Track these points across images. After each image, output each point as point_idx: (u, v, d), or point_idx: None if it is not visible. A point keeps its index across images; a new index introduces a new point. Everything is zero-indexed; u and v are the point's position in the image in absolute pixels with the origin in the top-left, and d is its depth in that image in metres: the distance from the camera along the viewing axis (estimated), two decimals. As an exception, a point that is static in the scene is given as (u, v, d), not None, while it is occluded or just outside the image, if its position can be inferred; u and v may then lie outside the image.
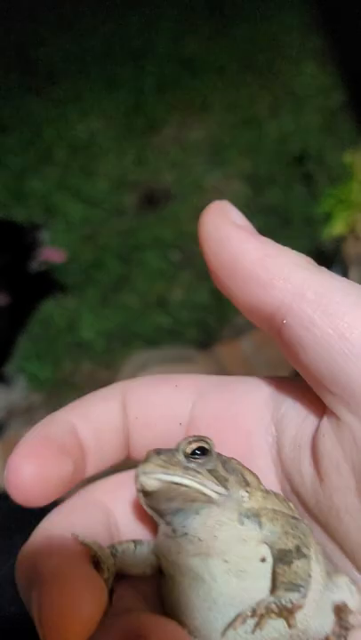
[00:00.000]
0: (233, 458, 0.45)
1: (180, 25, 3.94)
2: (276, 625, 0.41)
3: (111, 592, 0.43)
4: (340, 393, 0.40)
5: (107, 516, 0.46)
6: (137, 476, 0.42)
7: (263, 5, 3.92)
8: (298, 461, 0.45)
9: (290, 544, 0.42)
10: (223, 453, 0.46)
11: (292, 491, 0.46)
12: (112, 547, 0.44)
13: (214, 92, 3.50)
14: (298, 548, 0.41)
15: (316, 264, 0.43)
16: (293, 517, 0.43)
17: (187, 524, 0.42)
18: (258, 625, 0.41)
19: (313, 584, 0.42)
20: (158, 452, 0.42)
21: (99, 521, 0.45)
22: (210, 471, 0.42)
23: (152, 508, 0.43)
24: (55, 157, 3.33)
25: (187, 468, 0.42)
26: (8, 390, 2.44)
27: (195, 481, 0.41)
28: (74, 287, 2.74)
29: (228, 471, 0.43)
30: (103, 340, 2.56)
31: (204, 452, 0.43)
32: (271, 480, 0.47)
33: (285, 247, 0.43)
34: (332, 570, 0.44)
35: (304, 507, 0.45)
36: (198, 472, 0.42)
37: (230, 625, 0.42)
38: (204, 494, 0.41)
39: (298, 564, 0.41)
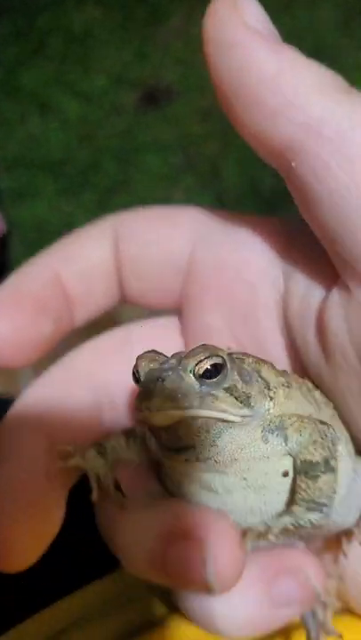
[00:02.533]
0: (246, 354, 0.37)
1: None
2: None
3: (117, 487, 0.39)
4: (354, 262, 0.33)
5: (94, 392, 0.40)
6: (139, 410, 0.33)
7: None
8: (304, 329, 0.38)
9: (317, 455, 0.36)
10: (223, 307, 0.40)
11: (297, 358, 0.40)
12: (99, 445, 0.38)
13: (223, -19, 3.25)
14: (326, 461, 0.36)
15: (347, 87, 0.33)
16: (322, 422, 0.37)
17: (202, 454, 0.35)
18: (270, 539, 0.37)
19: (341, 478, 0.37)
20: (160, 375, 0.33)
21: (83, 403, 0.39)
22: (228, 390, 0.34)
23: (160, 437, 0.36)
24: (50, 49, 3.13)
25: (202, 395, 0.33)
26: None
27: (215, 410, 0.34)
28: (70, 190, 2.61)
29: (248, 382, 0.35)
30: (99, 245, 2.48)
31: (218, 368, 0.34)
32: (277, 342, 0.40)
33: (311, 61, 0.34)
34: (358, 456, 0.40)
35: (309, 378, 0.39)
36: (216, 397, 0.33)
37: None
38: (228, 421, 0.34)
39: (324, 480, 0.35)
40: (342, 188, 0.32)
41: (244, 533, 0.38)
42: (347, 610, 0.42)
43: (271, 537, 0.37)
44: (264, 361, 0.38)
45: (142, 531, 0.34)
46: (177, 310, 0.45)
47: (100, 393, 0.41)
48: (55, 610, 0.48)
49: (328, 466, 0.36)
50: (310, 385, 0.39)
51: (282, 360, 0.41)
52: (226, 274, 0.42)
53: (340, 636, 0.40)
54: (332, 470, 0.36)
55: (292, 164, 0.33)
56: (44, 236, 2.52)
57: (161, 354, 0.36)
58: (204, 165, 2.60)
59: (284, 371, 0.39)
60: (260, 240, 0.41)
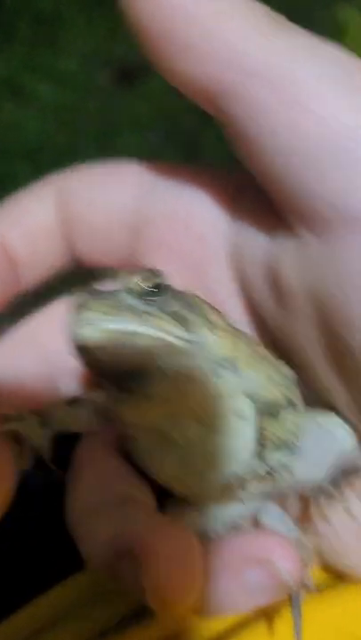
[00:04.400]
0: (188, 291, 0.35)
1: None
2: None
3: (55, 460, 0.38)
4: (300, 207, 0.32)
5: (46, 357, 0.40)
6: (70, 326, 0.29)
7: None
8: (257, 279, 0.37)
9: (277, 392, 0.35)
10: (174, 261, 0.39)
11: (252, 309, 0.39)
12: (43, 415, 0.37)
13: None
14: (288, 399, 0.35)
15: (282, 23, 0.31)
16: (277, 360, 0.36)
17: (149, 386, 0.32)
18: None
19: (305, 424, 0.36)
20: (96, 292, 0.30)
21: (32, 370, 0.39)
22: (171, 315, 0.31)
23: (95, 368, 0.32)
24: (18, 33, 3.09)
25: (141, 313, 0.30)
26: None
27: (155, 328, 0.30)
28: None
29: (191, 311, 0.33)
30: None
31: (159, 288, 0.32)
32: (230, 294, 0.39)
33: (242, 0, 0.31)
34: (316, 409, 0.38)
35: (267, 329, 0.38)
36: (157, 317, 0.31)
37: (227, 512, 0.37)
38: (170, 344, 0.31)
39: (287, 417, 0.35)
40: (279, 128, 0.30)
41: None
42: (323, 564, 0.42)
43: (245, 489, 0.35)
44: (213, 307, 0.36)
45: (97, 541, 0.34)
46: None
47: (53, 361, 0.41)
48: (27, 612, 0.47)
49: (291, 402, 0.35)
50: (262, 348, 0.37)
51: (237, 310, 0.40)
52: (174, 227, 0.41)
53: (317, 590, 0.39)
54: (295, 406, 0.35)
55: (226, 108, 0.32)
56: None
57: (95, 287, 0.33)
58: (184, 140, 2.58)
59: (242, 331, 0.37)
60: (208, 192, 0.40)
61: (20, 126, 2.77)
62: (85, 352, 0.30)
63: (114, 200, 0.42)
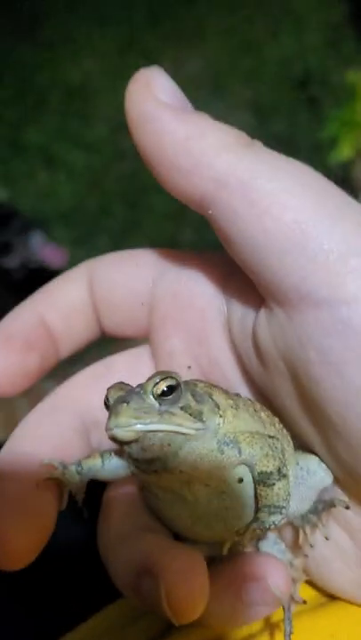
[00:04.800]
0: (198, 380, 0.44)
1: None
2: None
3: (85, 502, 0.45)
4: (268, 287, 0.39)
5: (80, 416, 0.47)
6: (109, 429, 0.40)
7: None
8: (244, 345, 0.44)
9: (271, 466, 0.42)
10: (181, 332, 0.47)
11: (245, 373, 0.46)
12: (78, 463, 0.44)
13: (209, 18, 3.35)
14: (279, 470, 0.42)
15: (248, 142, 0.39)
16: (270, 436, 0.43)
17: (167, 464, 0.41)
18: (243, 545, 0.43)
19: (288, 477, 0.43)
20: (125, 399, 0.40)
21: (69, 426, 0.46)
22: (183, 408, 0.41)
23: (127, 451, 0.42)
24: (50, 104, 3.23)
25: (161, 412, 0.40)
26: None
27: (173, 424, 0.40)
28: (84, 237, 2.70)
29: (200, 401, 0.41)
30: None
31: (172, 388, 0.40)
32: (228, 359, 0.47)
33: (216, 123, 0.39)
34: (300, 452, 0.45)
35: (256, 387, 0.46)
36: (173, 413, 0.40)
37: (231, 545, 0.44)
38: (184, 434, 0.40)
39: (279, 486, 0.42)
40: (249, 228, 0.37)
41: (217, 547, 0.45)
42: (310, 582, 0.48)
43: (245, 541, 0.42)
44: (215, 386, 0.44)
45: (123, 564, 0.40)
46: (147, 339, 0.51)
47: (85, 417, 0.47)
48: (75, 633, 0.53)
49: (281, 473, 0.42)
50: (258, 406, 0.45)
51: (234, 373, 0.47)
52: (180, 304, 0.48)
53: (305, 602, 0.45)
54: (285, 476, 0.42)
55: (209, 212, 0.39)
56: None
57: (128, 384, 0.42)
58: None
59: (237, 394, 0.45)
60: (206, 273, 0.47)
61: (53, 192, 2.90)
62: (120, 443, 0.40)
63: (132, 283, 0.49)
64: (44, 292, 0.49)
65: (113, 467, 0.45)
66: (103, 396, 0.45)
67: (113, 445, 0.46)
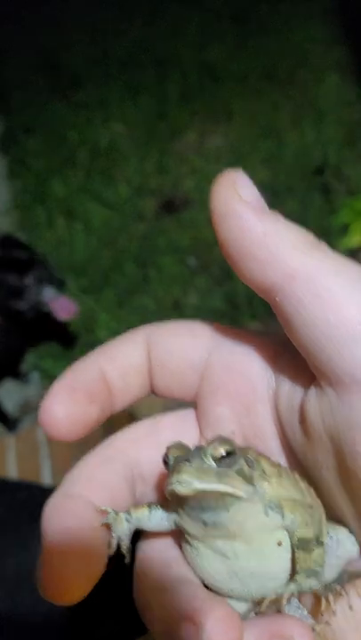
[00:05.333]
0: (250, 447, 0.48)
1: (204, 33, 3.98)
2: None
3: (131, 551, 0.47)
4: (323, 369, 0.43)
5: (130, 468, 0.50)
6: (170, 484, 0.43)
7: (288, 16, 3.95)
8: (290, 418, 0.48)
9: (310, 534, 0.45)
10: (230, 402, 0.51)
11: (286, 441, 0.49)
12: (128, 512, 0.48)
13: (236, 101, 3.53)
14: (317, 538, 0.45)
15: (316, 243, 0.43)
16: (310, 506, 0.47)
17: (216, 519, 0.45)
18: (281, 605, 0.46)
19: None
20: (187, 458, 0.44)
21: (121, 476, 0.49)
22: (237, 472, 0.44)
23: (181, 503, 0.46)
24: (77, 161, 3.37)
25: (219, 474, 0.44)
26: (23, 387, 2.49)
27: (228, 485, 0.43)
28: (92, 288, 2.77)
29: (251, 467, 0.45)
30: (118, 341, 2.59)
31: (229, 453, 0.44)
32: (271, 430, 0.50)
33: (289, 224, 0.44)
34: (330, 522, 0.48)
35: (295, 457, 0.49)
36: (228, 476, 0.44)
37: (259, 605, 0.47)
38: (236, 495, 0.44)
39: (317, 552, 0.45)
40: (311, 317, 0.41)
41: (255, 604, 0.48)
42: None
43: (284, 601, 0.45)
44: (262, 454, 0.47)
45: (163, 611, 0.43)
46: (192, 403, 0.55)
47: (133, 468, 0.50)
48: None
49: (318, 541, 0.45)
50: (298, 476, 0.48)
51: (275, 443, 0.50)
52: (233, 376, 0.52)
53: None
54: (322, 544, 0.45)
55: (276, 299, 0.43)
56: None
57: (185, 445, 0.46)
58: (216, 269, 2.73)
59: (279, 464, 0.48)
60: (259, 350, 0.51)
61: (69, 242, 2.99)
62: (178, 496, 0.44)
63: (188, 352, 0.53)
64: (105, 350, 0.53)
65: (158, 519, 0.48)
66: (150, 451, 0.50)
67: (154, 497, 0.51)
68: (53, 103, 3.73)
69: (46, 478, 2.09)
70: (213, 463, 0.44)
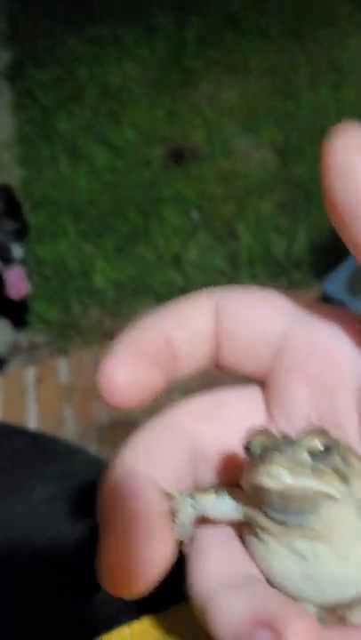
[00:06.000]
0: (339, 440, 0.42)
1: (229, -20, 3.84)
2: None
3: (190, 540, 0.43)
4: None
5: (193, 449, 0.45)
6: (258, 475, 0.38)
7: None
8: None
9: None
10: (307, 384, 0.45)
11: None
12: (193, 497, 0.43)
13: (256, 55, 3.42)
14: None
15: None
16: None
17: (302, 521, 0.40)
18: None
19: None
20: (278, 448, 0.39)
21: (184, 454, 0.44)
22: (333, 469, 0.39)
23: (263, 498, 0.40)
24: (86, 98, 3.28)
25: (313, 469, 0.38)
26: (13, 326, 2.45)
27: (323, 484, 0.38)
28: (90, 233, 2.72)
29: (346, 464, 0.40)
30: (114, 289, 2.55)
31: (327, 447, 0.39)
32: (352, 418, 0.45)
33: None
34: None
35: None
36: (323, 472, 0.38)
37: (332, 613, 0.42)
38: (330, 495, 0.39)
39: None
40: None
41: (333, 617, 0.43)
42: None
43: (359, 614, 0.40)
44: (351, 449, 0.42)
45: (234, 612, 0.39)
46: (260, 381, 0.50)
47: (195, 448, 0.46)
48: None
49: None
50: None
51: (355, 434, 0.45)
52: (316, 353, 0.46)
53: None
54: None
55: None
56: (60, 274, 2.62)
57: (271, 432, 0.40)
58: (220, 225, 2.69)
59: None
60: (347, 329, 0.46)
61: (71, 182, 2.92)
62: (263, 491, 0.38)
63: (263, 323, 0.48)
64: (171, 312, 0.47)
65: (225, 507, 0.43)
66: (213, 430, 0.45)
67: (215, 480, 0.45)
68: (67, 36, 3.60)
69: (32, 422, 2.08)
70: (308, 457, 0.39)
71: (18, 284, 2.20)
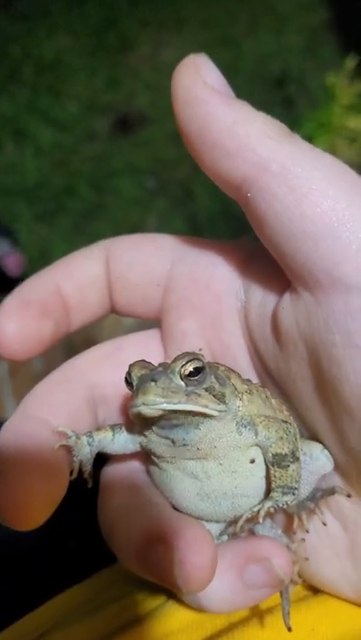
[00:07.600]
0: (218, 363, 0.45)
1: None
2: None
3: (91, 475, 0.45)
4: (299, 270, 0.40)
5: (90, 389, 0.47)
6: (135, 405, 0.40)
7: None
8: (262, 329, 0.45)
9: (285, 449, 0.43)
10: (195, 315, 0.48)
11: (257, 355, 0.47)
12: (90, 435, 0.45)
13: (189, 7, 3.33)
14: (293, 453, 0.44)
15: (288, 132, 0.40)
16: (284, 421, 0.44)
17: (187, 438, 0.42)
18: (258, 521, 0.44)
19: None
20: (152, 377, 0.40)
21: (80, 397, 0.46)
22: (207, 390, 0.42)
23: (147, 422, 0.42)
24: (22, 77, 3.17)
25: (187, 393, 0.41)
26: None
27: (198, 405, 0.41)
28: (45, 215, 2.65)
29: (222, 384, 0.43)
30: (77, 269, 2.50)
31: (199, 370, 0.42)
32: (240, 344, 0.48)
33: (259, 113, 0.40)
34: (303, 439, 0.46)
35: (267, 371, 0.46)
36: (198, 394, 0.41)
37: (231, 526, 0.46)
38: (208, 415, 0.41)
39: (292, 468, 0.43)
40: (287, 211, 0.39)
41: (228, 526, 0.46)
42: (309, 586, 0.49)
43: (260, 518, 0.43)
44: (232, 370, 0.45)
45: (130, 534, 0.41)
46: (158, 322, 0.52)
47: (94, 390, 0.48)
48: (33, 616, 0.53)
49: (294, 456, 0.43)
50: (268, 393, 0.46)
51: (244, 358, 0.48)
52: (198, 287, 0.49)
53: (304, 582, 0.48)
54: (298, 459, 0.44)
55: (248, 195, 0.40)
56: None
57: (150, 363, 0.43)
58: (177, 189, 2.64)
59: (248, 380, 0.46)
60: (226, 260, 0.48)
61: (19, 166, 2.84)
62: (144, 418, 0.41)
63: (150, 264, 0.50)
64: (61, 264, 0.50)
65: (122, 441, 0.46)
66: (112, 372, 0.46)
67: (118, 420, 0.47)
68: (-8, 14, 3.45)
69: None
70: (181, 381, 0.41)
71: (19, 262, 2.24)
